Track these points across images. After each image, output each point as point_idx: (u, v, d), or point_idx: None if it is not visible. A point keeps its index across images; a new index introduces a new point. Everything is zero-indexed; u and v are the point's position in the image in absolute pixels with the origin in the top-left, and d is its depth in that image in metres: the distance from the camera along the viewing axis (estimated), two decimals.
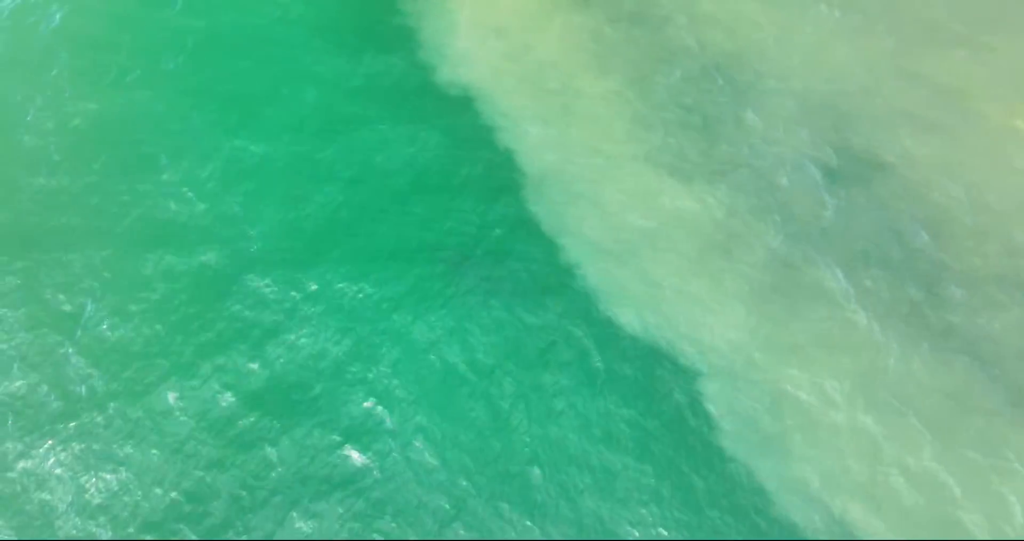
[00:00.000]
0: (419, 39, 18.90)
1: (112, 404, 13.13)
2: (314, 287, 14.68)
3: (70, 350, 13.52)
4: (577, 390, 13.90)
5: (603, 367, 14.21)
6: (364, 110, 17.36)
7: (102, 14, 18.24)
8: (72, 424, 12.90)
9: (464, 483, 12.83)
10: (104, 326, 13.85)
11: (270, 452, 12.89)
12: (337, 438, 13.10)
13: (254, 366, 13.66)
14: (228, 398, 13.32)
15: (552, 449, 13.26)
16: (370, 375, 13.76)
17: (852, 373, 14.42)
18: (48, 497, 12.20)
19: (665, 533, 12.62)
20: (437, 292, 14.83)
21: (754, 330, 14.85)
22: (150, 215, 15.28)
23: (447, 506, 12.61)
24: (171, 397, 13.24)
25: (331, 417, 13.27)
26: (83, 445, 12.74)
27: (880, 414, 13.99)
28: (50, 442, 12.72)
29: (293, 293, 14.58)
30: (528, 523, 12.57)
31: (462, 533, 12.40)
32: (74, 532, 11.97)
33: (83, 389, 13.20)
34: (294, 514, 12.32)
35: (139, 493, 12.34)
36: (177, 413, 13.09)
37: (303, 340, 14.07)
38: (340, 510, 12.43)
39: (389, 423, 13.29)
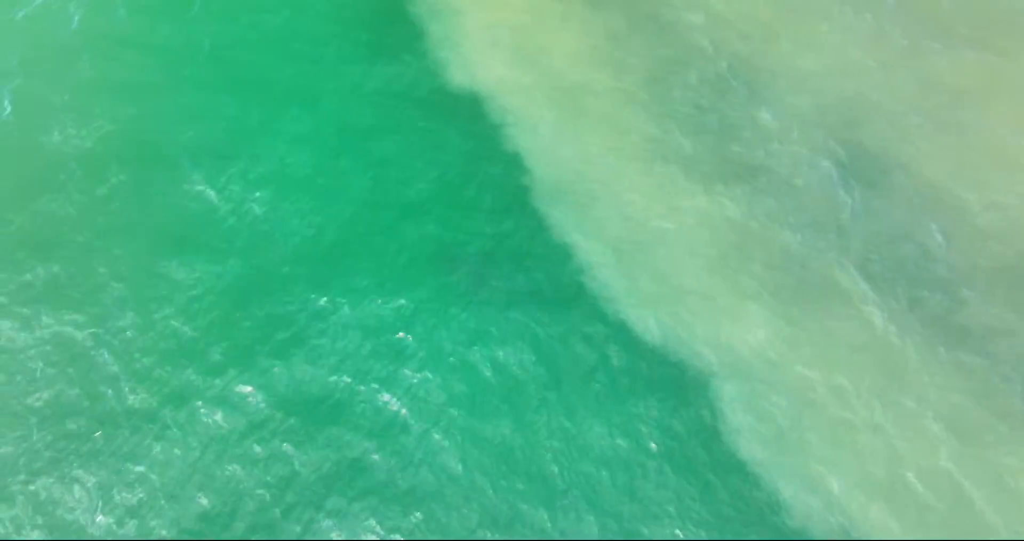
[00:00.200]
0: (431, 41, 18.88)
1: (138, 407, 13.26)
2: (337, 292, 14.78)
3: (96, 353, 13.64)
4: (597, 392, 14.01)
5: (622, 369, 14.31)
6: (380, 114, 17.40)
7: (121, 17, 18.28)
8: (98, 427, 13.02)
9: (487, 486, 12.96)
10: (129, 330, 13.97)
11: (295, 454, 13.01)
12: (362, 441, 13.22)
13: (278, 370, 13.79)
14: (252, 401, 13.45)
15: (575, 451, 13.37)
16: (392, 380, 13.88)
17: (869, 373, 14.50)
18: (76, 499, 12.33)
19: (680, 533, 12.72)
20: (458, 297, 14.92)
21: (771, 331, 14.92)
22: (173, 219, 15.41)
23: (470, 507, 12.74)
24: (197, 401, 13.36)
25: (355, 421, 13.39)
26: (110, 449, 12.86)
27: (897, 414, 14.07)
28: (76, 445, 12.84)
29: (315, 297, 14.68)
30: (550, 526, 12.68)
31: (487, 534, 12.53)
32: (100, 533, 12.11)
33: (109, 391, 13.33)
34: (320, 515, 12.45)
35: (166, 495, 12.47)
36: (203, 415, 13.22)
37: (326, 344, 14.18)
38: (365, 512, 12.56)
39: (413, 427, 13.41)
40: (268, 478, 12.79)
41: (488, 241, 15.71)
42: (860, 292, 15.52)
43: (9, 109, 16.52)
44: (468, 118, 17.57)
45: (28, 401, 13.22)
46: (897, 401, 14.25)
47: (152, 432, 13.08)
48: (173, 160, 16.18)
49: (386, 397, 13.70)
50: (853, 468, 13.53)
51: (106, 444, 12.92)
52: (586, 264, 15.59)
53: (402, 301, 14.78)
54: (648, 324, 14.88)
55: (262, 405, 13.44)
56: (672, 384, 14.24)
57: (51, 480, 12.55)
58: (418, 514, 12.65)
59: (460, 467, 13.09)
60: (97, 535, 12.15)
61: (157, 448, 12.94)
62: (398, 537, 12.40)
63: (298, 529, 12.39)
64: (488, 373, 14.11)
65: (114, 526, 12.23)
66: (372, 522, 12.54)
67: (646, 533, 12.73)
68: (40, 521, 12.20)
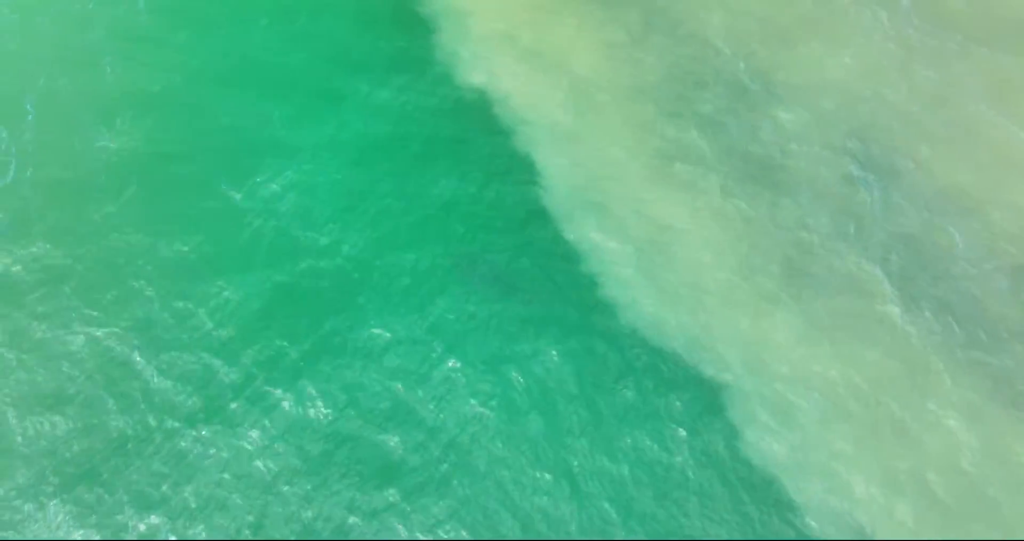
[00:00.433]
0: (445, 43, 18.86)
1: (170, 414, 13.34)
2: (362, 299, 14.83)
3: (127, 360, 13.71)
4: (622, 394, 14.11)
5: (645, 370, 14.40)
6: (400, 120, 17.40)
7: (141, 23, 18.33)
8: (130, 434, 13.06)
9: (515, 486, 13.09)
10: (159, 338, 14.02)
11: (325, 457, 13.11)
12: (392, 445, 13.30)
13: (308, 376, 13.88)
14: (285, 406, 13.49)
15: (601, 452, 13.49)
16: (422, 383, 13.99)
17: (890, 373, 14.60)
18: (108, 507, 12.36)
19: (703, 533, 12.87)
20: (482, 302, 14.97)
21: (792, 331, 15.01)
22: (197, 229, 15.40)
23: (499, 508, 12.88)
24: (235, 414, 13.43)
25: (384, 424, 13.46)
26: (143, 454, 12.94)
27: (919, 414, 14.16)
28: (107, 453, 12.88)
29: (342, 305, 14.71)
30: (574, 527, 12.79)
31: (508, 534, 12.66)
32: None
33: (144, 406, 13.34)
34: (351, 516, 12.57)
35: (200, 501, 12.55)
36: (245, 431, 13.29)
37: (353, 351, 14.25)
38: (395, 512, 12.66)
39: (443, 430, 13.49)
40: (299, 479, 12.85)
41: (510, 245, 15.78)
42: (880, 292, 15.62)
43: (32, 114, 16.52)
44: (486, 121, 17.60)
45: (59, 406, 13.24)
46: (918, 401, 14.34)
47: (186, 439, 13.14)
48: (195, 169, 16.19)
49: (415, 402, 13.77)
50: (875, 468, 13.62)
51: (137, 450, 12.95)
52: (607, 265, 15.65)
53: (426, 307, 14.84)
54: (670, 326, 14.97)
55: (293, 410, 13.51)
56: (695, 385, 14.32)
57: (84, 488, 12.57)
58: (447, 515, 12.75)
59: (489, 468, 13.20)
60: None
61: (190, 455, 12.99)
62: (422, 537, 12.46)
63: (329, 529, 12.43)
64: (514, 375, 14.18)
65: (151, 531, 12.25)
66: (402, 522, 12.61)
67: (670, 534, 12.80)
68: (75, 526, 12.22)
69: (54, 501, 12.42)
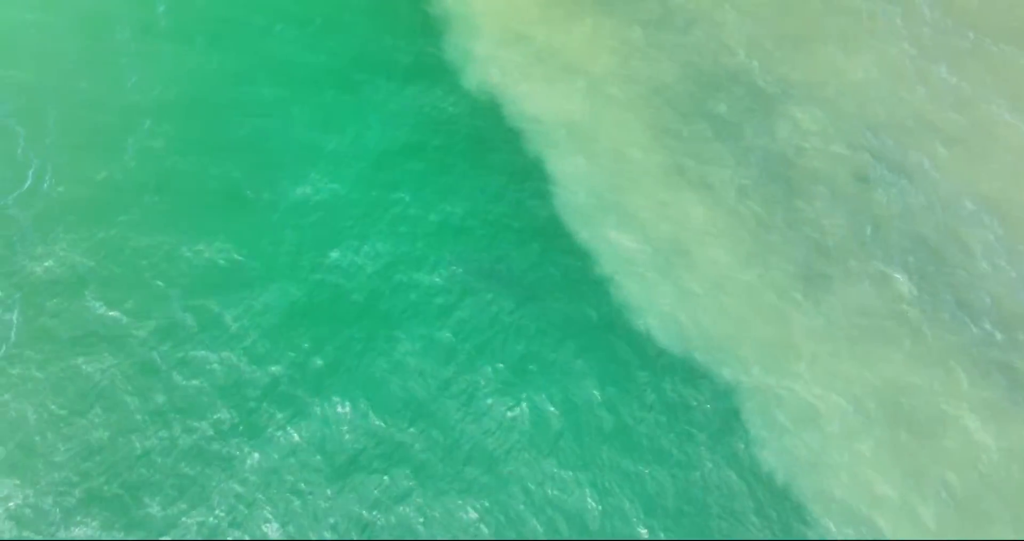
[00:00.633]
0: (452, 44, 18.93)
1: (201, 428, 13.32)
2: (382, 310, 14.81)
3: (153, 376, 13.68)
4: (641, 399, 14.13)
5: (663, 376, 14.43)
6: (413, 128, 17.42)
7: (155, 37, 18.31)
8: (159, 451, 13.11)
9: (537, 487, 13.16)
10: (184, 353, 13.94)
11: (353, 469, 13.16)
12: (417, 453, 13.35)
13: (334, 388, 13.83)
14: (313, 420, 13.51)
15: (619, 456, 13.52)
16: (444, 390, 14.02)
17: (909, 376, 14.65)
18: (140, 522, 12.41)
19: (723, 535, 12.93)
20: (501, 312, 14.94)
21: (810, 333, 15.05)
22: (228, 239, 15.32)
23: (522, 510, 12.93)
24: (260, 418, 13.45)
25: (408, 438, 13.46)
26: (178, 468, 12.99)
27: (938, 417, 14.20)
28: (140, 465, 12.91)
29: (363, 318, 14.67)
30: (594, 527, 12.83)
31: (536, 535, 12.72)
32: None
33: (168, 409, 13.36)
34: (378, 518, 12.62)
35: (232, 518, 12.62)
36: (270, 434, 13.31)
37: (376, 365, 14.20)
38: (421, 515, 12.73)
39: (468, 441, 13.53)
40: (325, 481, 12.92)
41: (528, 249, 15.78)
42: (897, 293, 15.65)
43: (54, 130, 16.50)
44: (501, 122, 17.64)
45: (82, 409, 13.30)
46: (936, 401, 14.39)
47: (210, 442, 13.15)
48: (216, 173, 16.19)
49: (438, 406, 13.79)
50: (895, 469, 13.66)
51: (162, 452, 13.01)
52: (625, 267, 15.67)
53: (447, 313, 14.83)
54: (689, 327, 14.98)
55: (317, 414, 13.54)
56: (714, 386, 14.35)
57: (109, 490, 12.60)
58: (472, 517, 12.81)
59: (513, 471, 13.24)
60: None
61: (215, 458, 13.01)
62: (443, 538, 12.54)
63: (355, 531, 12.52)
64: (536, 378, 14.21)
65: (179, 532, 12.33)
66: (424, 524, 12.67)
67: (691, 535, 12.85)
68: (100, 528, 12.29)
69: (78, 503, 12.45)
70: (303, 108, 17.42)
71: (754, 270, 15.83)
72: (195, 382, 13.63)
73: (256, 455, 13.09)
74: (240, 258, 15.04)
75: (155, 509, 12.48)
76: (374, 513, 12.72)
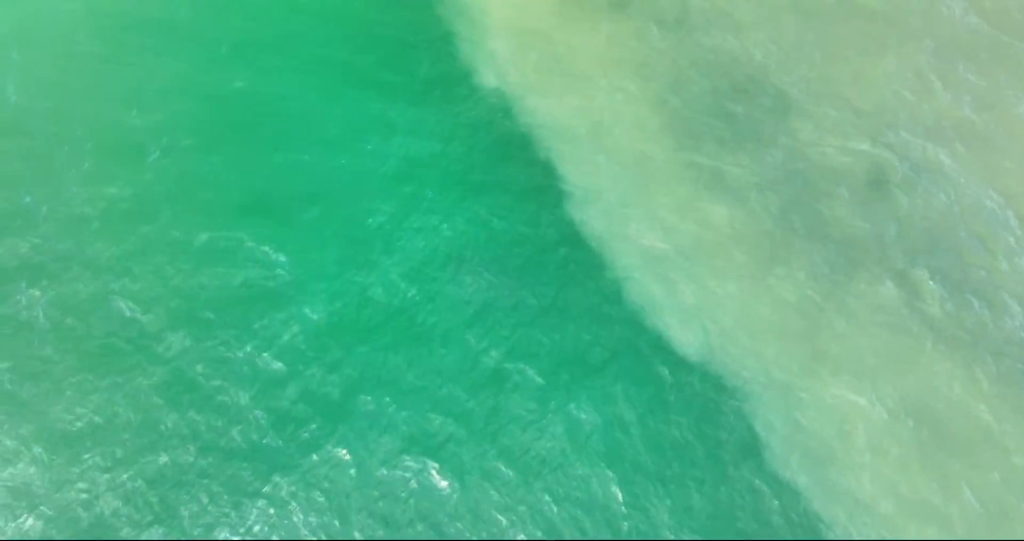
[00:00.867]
0: (459, 43, 18.73)
1: (221, 457, 12.92)
2: (407, 339, 14.47)
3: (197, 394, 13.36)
4: (644, 403, 14.03)
5: (665, 379, 14.31)
6: (427, 138, 17.10)
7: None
8: (182, 477, 12.78)
9: (538, 487, 13.00)
10: (210, 376, 13.56)
11: (374, 475, 12.97)
12: (413, 453, 13.19)
13: (362, 421, 13.46)
14: (334, 449, 13.17)
15: (622, 460, 13.42)
16: (443, 391, 13.86)
17: (915, 386, 14.59)
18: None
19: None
20: (501, 312, 14.75)
21: (814, 342, 14.96)
22: (241, 274, 14.75)
23: (527, 514, 12.78)
24: (279, 448, 13.10)
25: (435, 464, 13.23)
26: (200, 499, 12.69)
27: (944, 428, 14.15)
28: (162, 491, 12.61)
29: (388, 344, 14.33)
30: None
31: (539, 534, 12.60)
32: None
33: (190, 438, 12.97)
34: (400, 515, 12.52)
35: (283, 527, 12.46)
36: (291, 464, 12.96)
37: (398, 374, 13.96)
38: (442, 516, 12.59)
39: (462, 436, 13.35)
40: (356, 486, 12.77)
41: (526, 253, 15.55)
42: (920, 295, 15.67)
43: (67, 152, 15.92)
44: (498, 126, 17.40)
45: (99, 437, 12.87)
46: (961, 404, 14.35)
47: (234, 471, 12.78)
48: (232, 209, 15.51)
49: (467, 414, 13.61)
50: (922, 474, 13.61)
51: (182, 481, 12.69)
52: (623, 273, 15.50)
53: (434, 309, 14.61)
54: (689, 335, 14.82)
55: (341, 443, 13.21)
56: (716, 396, 14.22)
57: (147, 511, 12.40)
58: (503, 518, 12.70)
59: (537, 477, 13.12)
60: None
61: (238, 488, 12.64)
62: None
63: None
64: (563, 394, 14.01)
65: None
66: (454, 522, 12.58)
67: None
68: None
69: (107, 507, 12.24)
70: (325, 108, 17.13)
71: (776, 271, 15.76)
72: (211, 410, 13.19)
73: (289, 460, 12.84)
74: (261, 282, 14.60)
75: (188, 512, 12.33)
76: (405, 513, 12.57)
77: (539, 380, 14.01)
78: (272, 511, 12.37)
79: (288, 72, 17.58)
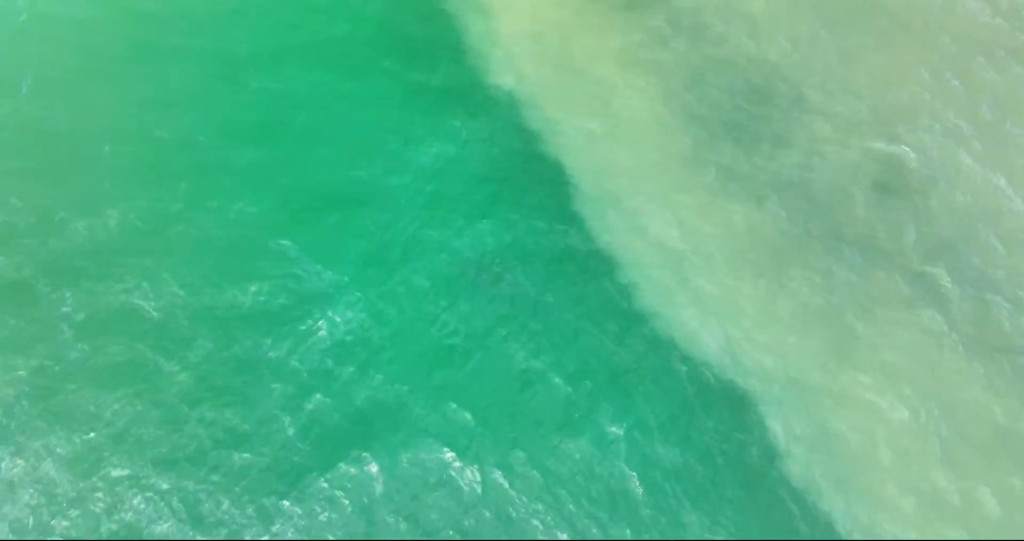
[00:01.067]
0: (471, 44, 18.59)
1: (244, 484, 12.96)
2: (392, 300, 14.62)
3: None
4: (659, 404, 14.09)
5: (680, 381, 14.35)
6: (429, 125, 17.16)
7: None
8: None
9: (562, 489, 13.05)
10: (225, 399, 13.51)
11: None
12: (438, 455, 13.23)
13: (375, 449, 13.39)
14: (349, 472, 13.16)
15: (639, 461, 13.47)
16: (466, 395, 13.91)
17: (933, 387, 14.59)
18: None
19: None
20: (511, 311, 14.78)
21: (830, 343, 14.98)
22: (266, 280, 14.66)
23: (540, 511, 12.85)
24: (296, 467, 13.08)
25: (433, 437, 13.37)
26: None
27: (962, 428, 14.16)
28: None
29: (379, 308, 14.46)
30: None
31: (565, 532, 12.66)
32: None
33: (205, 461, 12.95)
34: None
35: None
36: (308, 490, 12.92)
37: (393, 363, 14.06)
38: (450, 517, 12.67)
39: (486, 439, 13.40)
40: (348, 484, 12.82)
41: (547, 256, 15.53)
42: (921, 300, 15.61)
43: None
44: (511, 124, 17.32)
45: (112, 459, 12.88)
46: (965, 413, 14.35)
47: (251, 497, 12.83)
48: (255, 215, 15.33)
49: (456, 408, 13.67)
50: (923, 480, 13.62)
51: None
52: (642, 275, 15.50)
53: (457, 313, 14.63)
54: (709, 336, 14.86)
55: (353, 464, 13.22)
56: (738, 399, 14.26)
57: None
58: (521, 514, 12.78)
59: (534, 474, 13.19)
60: None
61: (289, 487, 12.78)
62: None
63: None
64: (552, 381, 14.08)
65: None
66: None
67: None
68: None
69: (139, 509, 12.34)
70: (344, 113, 17.03)
71: (794, 273, 15.75)
72: (226, 431, 13.16)
73: (315, 463, 12.90)
74: (288, 274, 14.62)
75: (213, 516, 12.37)
76: (429, 514, 12.65)
77: (562, 383, 14.03)
78: (299, 512, 12.46)
79: (307, 75, 17.51)
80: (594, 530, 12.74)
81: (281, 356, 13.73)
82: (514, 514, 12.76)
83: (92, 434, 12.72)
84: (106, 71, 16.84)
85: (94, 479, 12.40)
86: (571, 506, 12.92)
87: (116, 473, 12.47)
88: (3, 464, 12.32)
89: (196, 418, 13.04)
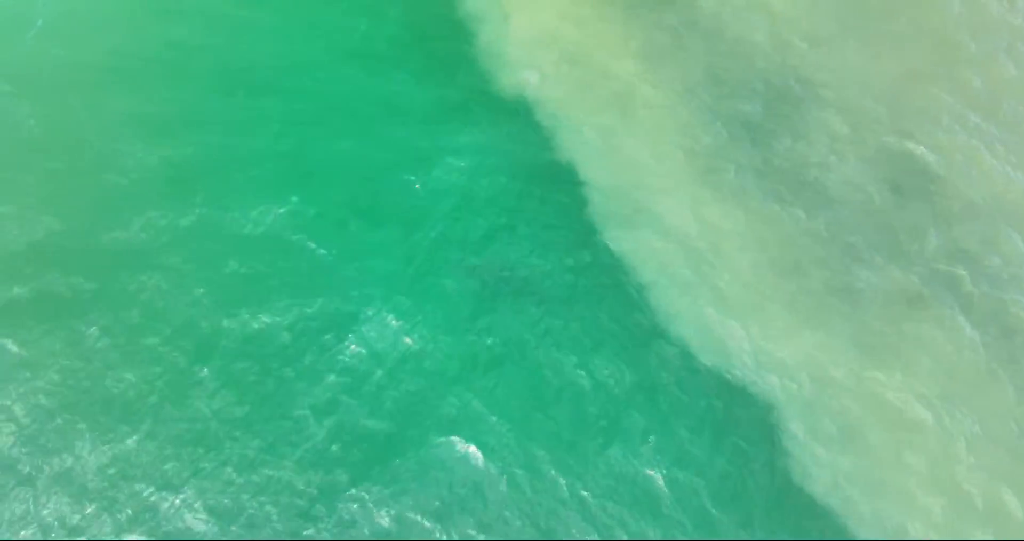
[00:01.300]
0: (480, 43, 18.49)
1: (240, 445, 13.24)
2: (409, 316, 14.61)
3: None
4: (669, 410, 14.10)
5: (690, 386, 14.37)
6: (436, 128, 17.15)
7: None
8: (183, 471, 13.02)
9: (582, 490, 13.12)
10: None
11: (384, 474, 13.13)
12: (466, 458, 13.31)
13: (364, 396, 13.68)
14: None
15: (650, 467, 13.50)
16: (480, 393, 13.96)
17: (953, 390, 14.59)
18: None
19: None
20: (530, 319, 14.79)
21: (846, 345, 14.98)
22: (294, 295, 14.63)
23: (559, 512, 12.96)
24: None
25: (462, 441, 13.44)
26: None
27: (986, 432, 14.17)
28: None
29: (397, 329, 14.44)
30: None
31: (594, 534, 12.75)
32: None
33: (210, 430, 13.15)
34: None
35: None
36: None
37: (410, 376, 14.06)
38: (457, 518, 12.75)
39: (513, 444, 13.45)
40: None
41: (561, 257, 15.52)
42: (937, 302, 15.58)
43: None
44: (532, 127, 17.27)
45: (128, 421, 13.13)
46: (983, 413, 14.36)
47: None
48: (269, 235, 15.24)
49: (505, 421, 13.71)
50: (947, 482, 13.66)
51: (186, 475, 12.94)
52: (658, 275, 15.48)
53: (484, 321, 14.66)
54: (725, 336, 14.85)
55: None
56: (753, 397, 14.27)
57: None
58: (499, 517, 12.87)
59: (559, 476, 13.25)
60: None
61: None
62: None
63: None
64: (578, 385, 14.12)
65: None
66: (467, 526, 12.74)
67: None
68: None
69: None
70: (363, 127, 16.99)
71: (813, 271, 15.71)
72: (236, 396, 13.38)
73: (350, 470, 12.99)
74: (315, 288, 14.63)
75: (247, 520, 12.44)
76: (455, 513, 12.75)
77: (588, 387, 14.08)
78: (328, 514, 12.57)
79: (329, 85, 17.50)
80: (620, 532, 12.80)
81: (311, 361, 13.80)
82: (540, 515, 12.83)
83: (120, 439, 12.79)
84: (124, 73, 16.82)
85: (122, 483, 12.49)
86: (596, 508, 12.98)
87: (145, 478, 12.56)
88: (34, 467, 12.41)
89: (225, 423, 13.12)
